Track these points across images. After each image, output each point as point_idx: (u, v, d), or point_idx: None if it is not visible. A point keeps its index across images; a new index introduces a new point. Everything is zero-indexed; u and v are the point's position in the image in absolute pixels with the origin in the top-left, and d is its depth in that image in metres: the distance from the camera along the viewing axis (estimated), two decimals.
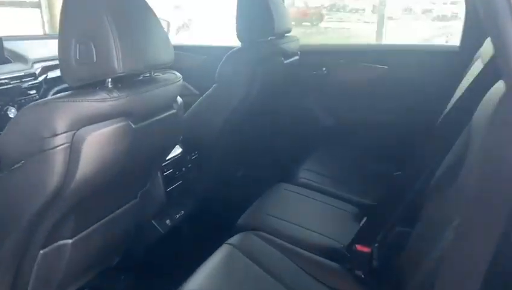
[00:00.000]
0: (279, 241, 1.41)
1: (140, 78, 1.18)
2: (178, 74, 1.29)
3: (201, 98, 1.82)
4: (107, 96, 1.00)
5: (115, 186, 1.18)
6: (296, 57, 2.11)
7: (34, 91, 1.83)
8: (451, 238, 0.77)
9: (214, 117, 1.80)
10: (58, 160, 0.96)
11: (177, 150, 1.74)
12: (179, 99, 1.31)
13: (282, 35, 2.00)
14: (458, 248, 0.73)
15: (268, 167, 2.34)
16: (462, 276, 0.71)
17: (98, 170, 1.04)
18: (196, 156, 1.82)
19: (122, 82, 1.08)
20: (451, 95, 1.66)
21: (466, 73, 1.60)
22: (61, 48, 1.00)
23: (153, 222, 1.64)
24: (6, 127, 1.00)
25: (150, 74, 1.20)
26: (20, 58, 1.90)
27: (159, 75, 1.22)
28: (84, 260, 1.28)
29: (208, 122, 1.81)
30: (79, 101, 0.96)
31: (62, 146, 0.95)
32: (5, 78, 1.73)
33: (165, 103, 1.23)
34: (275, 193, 1.71)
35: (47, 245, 1.10)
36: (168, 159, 1.65)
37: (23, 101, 1.71)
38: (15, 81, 1.77)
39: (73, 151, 0.96)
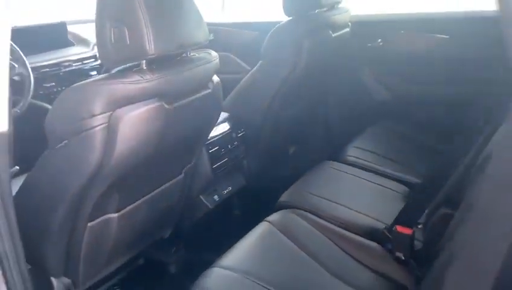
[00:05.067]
0: (318, 220, 1.40)
1: (178, 59, 1.20)
2: (214, 53, 1.30)
3: (247, 75, 1.82)
4: (140, 78, 1.04)
5: (155, 164, 1.24)
6: (347, 29, 2.03)
7: (95, 72, 1.96)
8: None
9: (260, 94, 1.80)
10: (97, 139, 1.02)
11: (225, 127, 1.77)
12: (215, 78, 1.32)
13: (331, 6, 1.93)
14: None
15: (317, 144, 2.30)
16: (472, 272, 0.65)
17: (134, 148, 1.09)
18: (243, 133, 1.84)
19: (157, 63, 1.11)
20: None
21: None
22: (98, 32, 1.04)
23: (201, 197, 1.70)
24: (52, 107, 1.08)
25: (187, 54, 1.23)
26: (82, 41, 2.03)
27: (195, 55, 1.24)
28: (132, 233, 1.36)
29: (254, 99, 1.82)
30: (114, 84, 1.02)
31: (100, 126, 1.01)
32: (68, 61, 1.87)
33: (200, 82, 1.25)
34: (321, 171, 1.69)
35: (94, 219, 1.19)
36: (215, 137, 1.69)
37: None
38: (77, 64, 1.90)
39: (111, 131, 1.02)
